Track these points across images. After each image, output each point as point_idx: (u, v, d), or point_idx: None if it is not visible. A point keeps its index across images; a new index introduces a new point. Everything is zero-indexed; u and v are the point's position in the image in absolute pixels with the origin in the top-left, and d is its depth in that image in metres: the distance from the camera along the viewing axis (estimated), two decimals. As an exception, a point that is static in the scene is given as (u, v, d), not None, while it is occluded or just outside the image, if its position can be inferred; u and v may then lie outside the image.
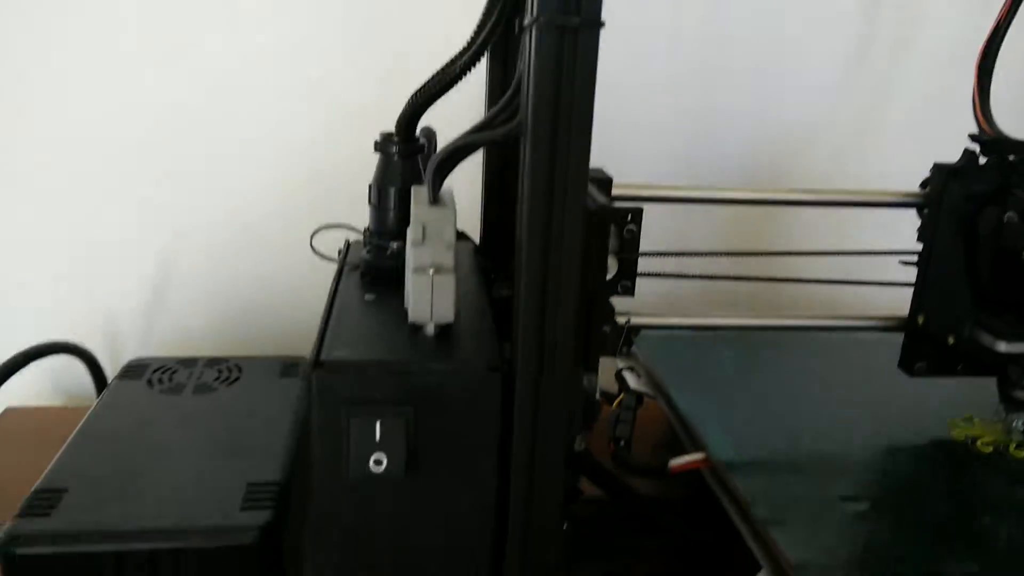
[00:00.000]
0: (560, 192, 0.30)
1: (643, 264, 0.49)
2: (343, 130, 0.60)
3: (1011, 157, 0.44)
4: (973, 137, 0.46)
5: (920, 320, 0.45)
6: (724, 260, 0.57)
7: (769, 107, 0.73)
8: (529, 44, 0.29)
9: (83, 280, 0.70)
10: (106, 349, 0.69)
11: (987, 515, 0.40)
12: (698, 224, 0.73)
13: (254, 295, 0.70)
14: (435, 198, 0.33)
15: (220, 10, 0.63)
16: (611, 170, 0.45)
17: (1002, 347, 0.40)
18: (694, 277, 0.49)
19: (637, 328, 0.50)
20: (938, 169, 0.44)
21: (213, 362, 0.61)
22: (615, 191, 0.45)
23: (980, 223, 0.42)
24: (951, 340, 0.42)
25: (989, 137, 0.45)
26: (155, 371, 0.59)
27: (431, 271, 0.33)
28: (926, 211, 0.45)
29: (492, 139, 0.32)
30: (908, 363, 0.46)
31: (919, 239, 0.46)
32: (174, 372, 0.59)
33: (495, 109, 0.32)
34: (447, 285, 0.33)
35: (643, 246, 0.43)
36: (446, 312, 0.33)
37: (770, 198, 0.47)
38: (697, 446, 0.47)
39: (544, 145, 0.29)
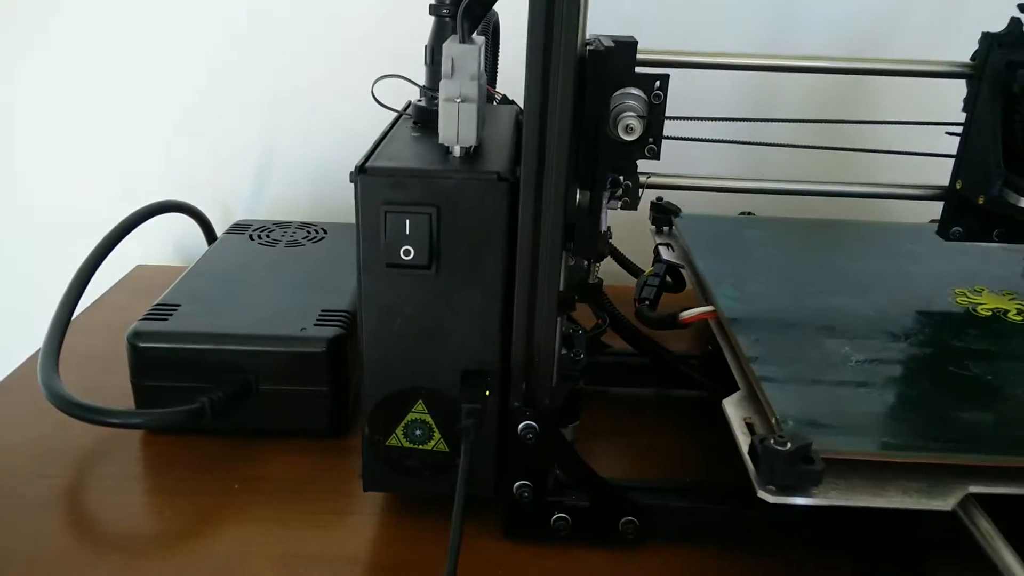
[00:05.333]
0: (559, 25, 0.35)
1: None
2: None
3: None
4: (1021, 7, 0.46)
5: (958, 185, 0.45)
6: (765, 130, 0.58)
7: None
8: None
9: (202, 154, 0.81)
10: (219, 217, 0.80)
11: (974, 366, 0.44)
12: (740, 92, 0.75)
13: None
14: (464, 38, 0.40)
15: None
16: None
17: (1024, 203, 0.42)
18: (721, 141, 0.53)
19: (658, 187, 0.55)
20: (984, 37, 0.44)
21: (304, 225, 0.70)
22: (646, 57, 0.49)
23: (1014, 84, 0.42)
24: (981, 200, 0.43)
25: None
26: (256, 229, 0.69)
27: (458, 100, 0.39)
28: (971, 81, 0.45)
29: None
30: (945, 228, 0.47)
31: (963, 109, 0.46)
32: (271, 231, 0.69)
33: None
34: (471, 112, 0.39)
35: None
36: (469, 135, 0.40)
37: (810, 65, 0.48)
38: (710, 303, 0.52)
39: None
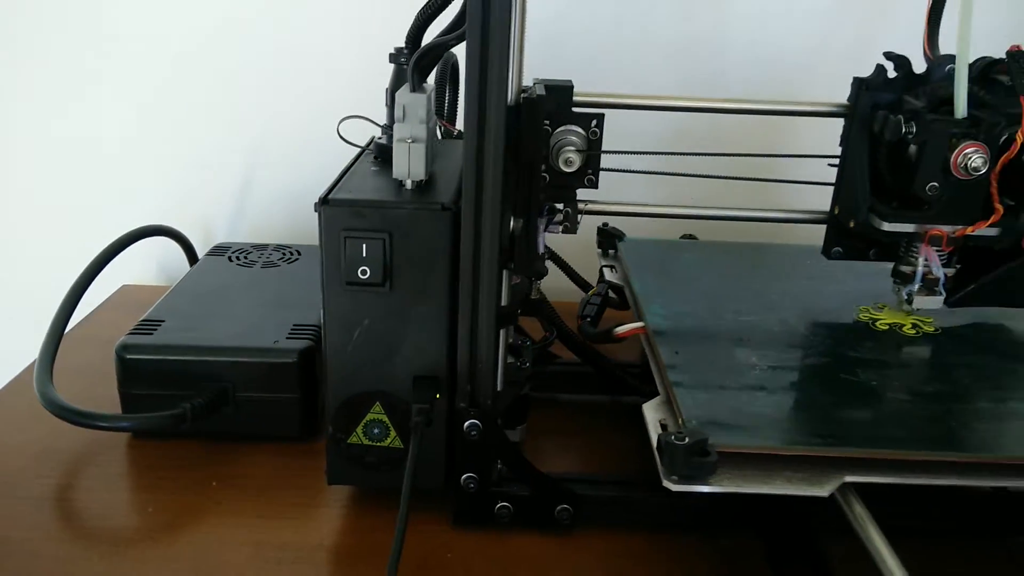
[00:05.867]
0: (492, 79, 0.41)
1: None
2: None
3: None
4: (887, 54, 0.53)
5: (836, 211, 0.52)
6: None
7: (765, 32, 0.80)
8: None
9: (184, 182, 0.87)
10: (201, 238, 0.86)
11: (863, 373, 0.50)
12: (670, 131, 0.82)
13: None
14: (414, 87, 0.45)
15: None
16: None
17: (885, 226, 0.49)
18: (641, 172, 0.59)
19: (595, 213, 0.60)
20: (855, 81, 0.51)
21: (280, 247, 0.76)
22: (583, 99, 0.55)
23: (875, 124, 0.49)
24: (852, 224, 0.50)
25: (898, 55, 0.52)
26: (234, 251, 0.74)
27: (409, 141, 0.45)
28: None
29: (448, 41, 0.44)
30: (827, 248, 0.53)
31: (840, 143, 0.54)
32: (249, 253, 0.74)
33: (455, 19, 0.44)
34: (420, 151, 0.45)
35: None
36: (419, 171, 0.45)
37: (712, 106, 0.55)
38: (641, 319, 0.57)
39: (476, 42, 0.40)
